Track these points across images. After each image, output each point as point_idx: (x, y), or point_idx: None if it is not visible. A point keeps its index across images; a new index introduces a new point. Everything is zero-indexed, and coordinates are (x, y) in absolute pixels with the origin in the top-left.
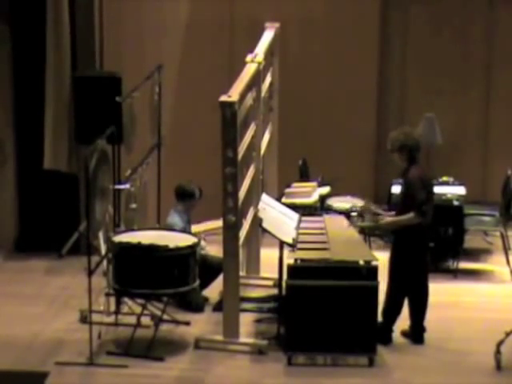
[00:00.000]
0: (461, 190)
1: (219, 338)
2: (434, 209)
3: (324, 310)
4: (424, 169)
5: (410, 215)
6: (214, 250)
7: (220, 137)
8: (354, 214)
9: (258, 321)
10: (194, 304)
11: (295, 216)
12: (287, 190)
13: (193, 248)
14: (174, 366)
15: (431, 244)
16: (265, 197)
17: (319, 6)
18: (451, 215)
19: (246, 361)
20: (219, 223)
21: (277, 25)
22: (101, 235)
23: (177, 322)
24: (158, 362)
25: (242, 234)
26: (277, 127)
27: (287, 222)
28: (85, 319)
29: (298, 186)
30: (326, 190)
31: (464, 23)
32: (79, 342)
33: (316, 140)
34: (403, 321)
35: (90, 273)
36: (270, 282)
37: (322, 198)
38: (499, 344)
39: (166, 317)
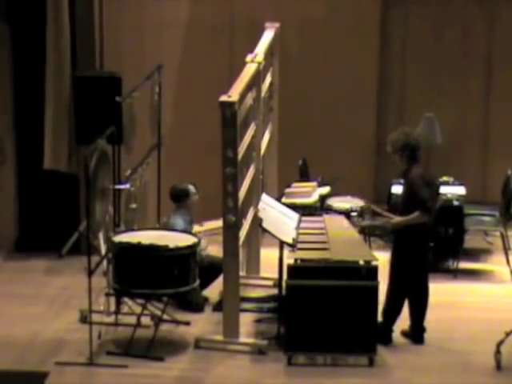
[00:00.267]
0: (461, 190)
1: (219, 338)
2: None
3: (324, 310)
4: (425, 168)
5: (416, 214)
6: (214, 250)
7: (220, 137)
8: (353, 214)
9: (258, 321)
10: (194, 304)
11: (295, 216)
12: (287, 190)
13: (193, 248)
14: (174, 366)
15: (431, 244)
16: (265, 197)
17: (319, 5)
18: (451, 215)
19: (246, 361)
20: (219, 223)
21: (277, 25)
22: (101, 235)
23: (177, 322)
24: (158, 362)
25: (242, 233)
26: (277, 127)
27: (287, 222)
28: (85, 319)
29: (297, 186)
30: (326, 190)
31: (464, 23)
32: (79, 342)
33: (316, 140)
34: (403, 321)
35: (90, 273)
36: (270, 282)
37: (322, 198)
38: (499, 344)
39: (166, 317)
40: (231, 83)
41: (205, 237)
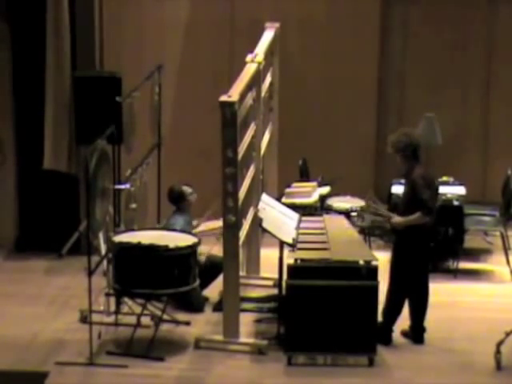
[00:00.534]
0: (461, 190)
1: (219, 338)
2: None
3: (324, 309)
4: (426, 168)
5: (418, 214)
6: (214, 250)
7: (220, 137)
8: (353, 213)
9: (258, 321)
10: (195, 304)
11: (295, 216)
12: (287, 190)
13: (193, 248)
14: (174, 366)
15: (431, 244)
16: (265, 197)
17: (319, 5)
18: (451, 215)
19: (246, 361)
20: (219, 223)
21: (277, 25)
22: (101, 235)
23: (177, 322)
24: (158, 362)
25: (242, 233)
26: (277, 127)
27: (287, 222)
28: (85, 319)
29: (297, 186)
30: (326, 189)
31: (464, 23)
32: (79, 342)
33: (316, 140)
34: (403, 321)
35: (90, 273)
36: (270, 282)
37: (322, 198)
38: (499, 344)
39: (166, 317)
40: (231, 83)
41: (204, 237)
